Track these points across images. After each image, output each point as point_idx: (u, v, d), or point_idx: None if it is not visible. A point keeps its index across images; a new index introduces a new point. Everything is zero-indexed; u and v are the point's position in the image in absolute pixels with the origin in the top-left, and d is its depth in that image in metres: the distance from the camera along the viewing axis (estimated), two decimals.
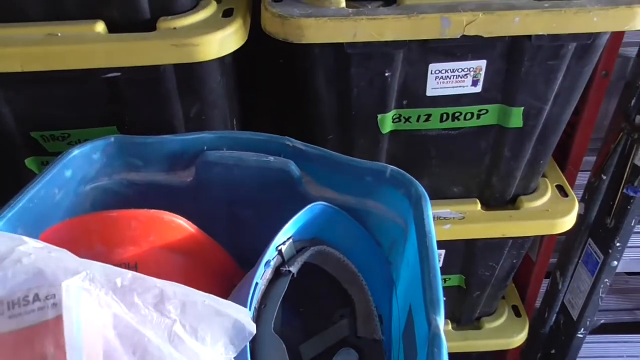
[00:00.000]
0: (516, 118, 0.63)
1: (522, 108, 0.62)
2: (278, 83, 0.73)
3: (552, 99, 0.62)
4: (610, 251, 0.81)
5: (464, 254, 0.80)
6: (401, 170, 0.51)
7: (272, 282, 0.46)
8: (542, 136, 0.66)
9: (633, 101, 0.75)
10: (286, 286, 0.46)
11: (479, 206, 0.73)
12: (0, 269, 0.32)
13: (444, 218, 0.71)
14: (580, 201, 0.86)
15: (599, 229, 0.84)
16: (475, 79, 0.60)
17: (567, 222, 0.73)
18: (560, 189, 0.76)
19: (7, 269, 0.32)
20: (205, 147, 0.56)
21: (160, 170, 0.57)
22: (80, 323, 0.31)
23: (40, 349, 0.30)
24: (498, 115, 0.63)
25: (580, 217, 0.86)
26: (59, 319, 0.31)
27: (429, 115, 0.63)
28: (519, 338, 0.92)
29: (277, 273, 0.47)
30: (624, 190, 0.77)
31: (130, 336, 0.33)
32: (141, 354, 0.33)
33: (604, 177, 0.82)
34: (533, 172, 0.72)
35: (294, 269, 0.46)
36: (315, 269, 0.51)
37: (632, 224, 0.79)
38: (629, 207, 0.77)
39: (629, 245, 0.82)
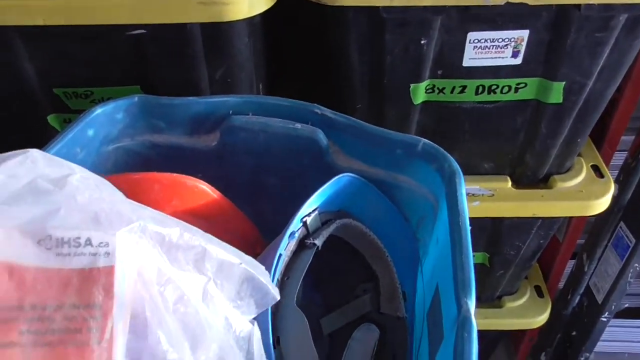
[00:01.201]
0: (556, 93, 0.60)
1: (564, 83, 0.59)
2: (307, 49, 0.71)
3: (596, 74, 0.59)
4: None
5: (490, 232, 0.78)
6: (434, 144, 0.48)
7: (295, 254, 0.45)
8: (582, 113, 0.63)
9: None
10: (310, 259, 0.44)
11: (509, 184, 0.70)
12: (53, 203, 0.31)
13: (473, 195, 0.69)
14: (614, 182, 0.82)
15: (633, 212, 0.81)
16: (515, 50, 0.57)
17: (602, 204, 0.70)
18: (596, 169, 0.73)
19: (60, 204, 0.31)
20: (231, 112, 0.54)
21: (184, 133, 0.55)
22: (130, 277, 0.31)
23: (88, 294, 0.30)
24: (537, 90, 0.60)
25: (614, 199, 0.82)
26: (111, 269, 0.30)
27: (464, 87, 0.60)
28: (541, 319, 0.90)
29: (301, 245, 0.45)
30: None
31: (171, 294, 0.32)
32: (181, 314, 0.33)
33: None
34: (569, 150, 0.69)
35: (318, 241, 0.45)
36: (339, 242, 0.49)
37: None
38: None
39: None
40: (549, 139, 0.65)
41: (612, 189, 0.70)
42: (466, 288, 0.36)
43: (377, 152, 0.51)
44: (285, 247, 0.44)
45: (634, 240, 0.81)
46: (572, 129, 0.65)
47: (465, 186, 0.45)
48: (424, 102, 0.62)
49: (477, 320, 0.96)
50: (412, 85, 0.60)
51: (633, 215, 0.81)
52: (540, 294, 0.93)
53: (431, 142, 0.49)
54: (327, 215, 0.47)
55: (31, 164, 0.32)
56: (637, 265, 0.82)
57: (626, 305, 1.05)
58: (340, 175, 0.47)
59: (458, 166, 0.46)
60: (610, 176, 0.72)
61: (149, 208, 0.34)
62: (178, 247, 0.33)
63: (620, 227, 0.84)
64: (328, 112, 0.52)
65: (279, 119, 0.53)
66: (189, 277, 0.34)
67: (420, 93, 0.61)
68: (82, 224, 0.30)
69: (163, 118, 0.55)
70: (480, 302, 0.91)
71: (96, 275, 0.30)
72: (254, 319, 0.38)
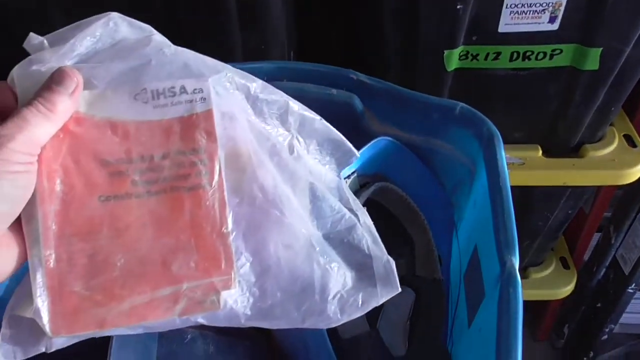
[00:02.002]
0: (593, 60, 0.59)
1: (601, 49, 0.58)
2: (338, 15, 0.70)
3: (634, 40, 0.58)
4: None
5: (520, 201, 0.77)
6: (472, 108, 0.48)
7: None
8: (617, 81, 0.62)
9: None
10: None
11: (540, 152, 0.70)
12: (143, 57, 0.31)
13: None
14: None
15: None
16: (553, 15, 0.56)
17: (634, 174, 0.69)
18: (628, 138, 0.73)
19: (150, 56, 0.31)
20: (265, 78, 0.54)
21: None
22: (228, 119, 0.31)
23: (191, 140, 0.30)
24: (573, 56, 0.60)
25: None
26: (209, 112, 0.31)
27: (499, 54, 0.60)
28: (566, 290, 0.91)
29: None
30: None
31: (264, 142, 0.33)
32: (277, 160, 0.33)
33: None
34: (602, 119, 0.68)
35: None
36: (375, 205, 0.50)
37: None
38: None
39: None
40: (582, 107, 0.65)
41: None
42: (510, 246, 0.37)
43: (413, 117, 0.51)
44: None
45: None
46: (606, 97, 0.64)
47: (504, 149, 0.45)
48: (457, 69, 0.62)
49: None
50: (446, 52, 0.59)
51: None
52: (565, 265, 0.93)
53: (468, 106, 0.48)
54: (365, 178, 0.48)
55: (114, 26, 0.32)
56: None
57: None
58: (379, 138, 0.47)
59: (496, 129, 0.46)
60: None
61: (230, 65, 0.34)
62: (262, 101, 0.34)
63: None
64: (364, 77, 0.52)
65: (314, 85, 0.53)
66: (275, 131, 0.34)
67: (454, 60, 0.60)
68: (174, 73, 0.31)
69: None
70: None
71: (196, 121, 0.30)
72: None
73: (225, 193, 0.31)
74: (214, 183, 0.31)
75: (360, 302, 0.34)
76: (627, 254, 0.90)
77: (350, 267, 0.34)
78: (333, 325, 0.33)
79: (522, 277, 0.95)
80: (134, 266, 0.30)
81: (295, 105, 0.35)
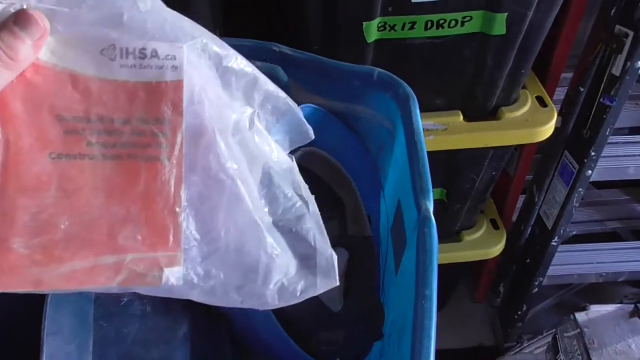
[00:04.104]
0: (499, 24, 0.63)
1: (506, 14, 0.62)
2: None
3: (535, 4, 0.62)
4: (585, 161, 0.84)
5: (446, 167, 0.82)
6: (388, 72, 0.51)
7: None
8: (524, 44, 0.67)
9: (613, 10, 0.76)
10: None
11: (461, 118, 0.74)
12: (114, 8, 0.28)
13: (427, 130, 0.72)
14: (558, 114, 0.88)
15: (575, 141, 0.87)
16: None
17: (546, 131, 0.75)
18: (540, 99, 0.78)
19: (123, 9, 0.28)
20: None
21: None
22: (197, 94, 0.30)
23: (156, 109, 0.29)
24: (482, 22, 0.64)
25: (558, 130, 0.88)
26: (178, 83, 0.29)
27: (414, 23, 0.63)
28: (497, 249, 0.96)
29: None
30: (601, 100, 0.79)
31: (228, 117, 0.32)
32: (239, 138, 0.32)
33: (582, 89, 0.83)
34: (514, 82, 0.73)
35: None
36: (304, 170, 0.52)
37: (607, 134, 0.81)
38: (604, 116, 0.79)
39: (602, 155, 0.85)
40: (495, 71, 0.69)
41: (555, 116, 0.75)
42: (424, 192, 0.40)
43: (335, 85, 0.53)
44: None
45: (577, 166, 0.86)
46: (516, 60, 0.69)
47: (419, 110, 0.48)
48: (377, 41, 0.65)
49: (439, 254, 1.01)
50: (364, 24, 0.62)
51: (575, 144, 0.87)
52: (495, 226, 0.99)
53: (385, 71, 0.51)
54: None
55: None
56: (581, 189, 0.89)
57: (574, 233, 1.12)
58: (302, 105, 0.49)
59: (411, 90, 0.49)
60: (553, 105, 0.77)
61: (207, 31, 0.32)
62: (232, 72, 0.32)
63: (565, 156, 0.90)
64: (286, 49, 0.54)
65: None
66: (239, 105, 0.33)
67: (372, 31, 0.63)
68: (147, 33, 0.28)
69: None
70: (440, 238, 0.95)
71: (164, 90, 0.29)
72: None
73: (183, 170, 0.30)
74: (173, 158, 0.29)
75: (299, 291, 0.34)
76: (549, 210, 0.96)
77: (294, 256, 0.35)
78: (269, 308, 0.34)
79: (456, 241, 1.00)
80: (78, 230, 0.29)
81: (263, 81, 0.35)
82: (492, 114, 0.76)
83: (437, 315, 0.33)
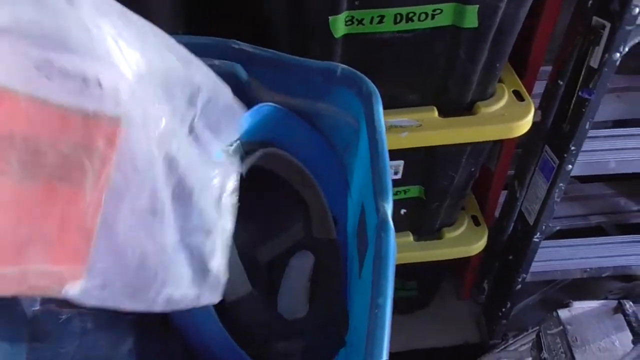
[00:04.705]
0: (471, 17, 0.61)
1: (477, 6, 0.60)
2: None
3: None
4: (565, 155, 0.83)
5: (423, 164, 0.80)
6: (352, 69, 0.49)
7: None
8: (497, 37, 0.65)
9: (590, 2, 0.74)
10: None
11: (436, 113, 0.72)
12: (61, 18, 0.25)
13: (401, 126, 0.70)
14: (537, 109, 0.86)
15: (555, 135, 0.85)
16: None
17: (523, 126, 0.73)
18: (517, 94, 0.76)
19: (69, 22, 0.25)
20: None
21: None
22: (135, 131, 0.28)
23: (89, 140, 0.27)
24: (453, 15, 0.62)
25: (537, 125, 0.86)
26: (117, 120, 0.27)
27: (383, 17, 0.61)
28: (478, 245, 0.94)
29: None
30: (579, 93, 0.77)
31: (167, 141, 0.31)
32: (169, 162, 0.32)
33: (561, 83, 0.82)
34: (489, 76, 0.71)
35: (242, 169, 0.45)
36: (265, 172, 0.50)
37: (587, 127, 0.80)
38: (583, 109, 0.78)
39: (583, 149, 0.83)
40: (468, 64, 0.67)
41: (532, 110, 0.73)
42: (383, 194, 0.38)
43: (298, 82, 0.51)
44: None
45: (557, 161, 0.85)
46: (489, 54, 0.67)
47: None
48: (345, 36, 0.63)
49: (419, 252, 0.99)
50: (330, 18, 0.60)
51: (555, 138, 0.85)
52: (477, 222, 0.97)
53: (349, 67, 0.49)
54: (250, 145, 0.47)
55: None
56: (562, 184, 0.87)
57: (557, 228, 1.11)
58: (260, 104, 0.47)
59: (375, 87, 0.47)
60: (530, 99, 0.75)
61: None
62: (176, 86, 0.32)
63: (546, 151, 0.88)
64: (246, 47, 0.52)
65: (199, 58, 0.52)
66: (179, 113, 0.33)
67: (339, 26, 0.61)
68: (93, 52, 0.26)
69: None
70: (420, 236, 0.94)
71: (101, 123, 0.27)
72: None
73: (104, 196, 0.28)
74: (96, 187, 0.28)
75: (185, 302, 0.35)
76: (530, 206, 0.95)
77: (189, 270, 0.35)
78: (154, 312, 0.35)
79: (437, 238, 0.98)
80: None
81: (206, 87, 0.35)
82: (467, 109, 0.74)
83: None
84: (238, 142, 0.46)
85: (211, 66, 0.51)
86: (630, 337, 0.84)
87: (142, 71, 0.29)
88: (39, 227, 0.27)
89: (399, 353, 1.15)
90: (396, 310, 1.23)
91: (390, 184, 0.38)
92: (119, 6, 0.30)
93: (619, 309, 0.88)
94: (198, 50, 0.52)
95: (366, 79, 0.48)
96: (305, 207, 0.51)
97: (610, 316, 0.88)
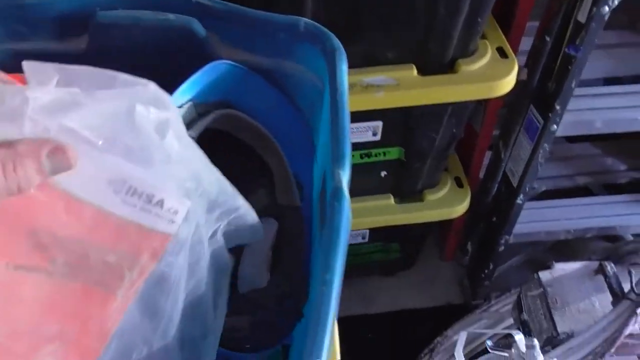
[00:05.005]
0: None
1: None
2: None
3: None
4: (550, 115, 0.80)
5: (403, 125, 0.77)
6: (316, 24, 0.46)
7: None
8: None
9: None
10: None
11: (414, 72, 0.69)
12: (148, 156, 0.27)
13: (377, 85, 0.67)
14: (524, 67, 0.83)
15: (541, 94, 0.82)
16: None
17: (506, 84, 0.70)
18: (501, 51, 0.73)
19: (155, 160, 0.27)
20: (99, 8, 0.49)
21: (50, 38, 0.50)
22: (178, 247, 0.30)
23: (136, 251, 0.28)
24: None
25: (523, 84, 0.83)
26: (167, 236, 0.28)
27: None
28: (461, 207, 0.93)
29: None
30: (566, 50, 0.74)
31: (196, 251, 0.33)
32: (195, 269, 0.34)
33: (547, 39, 0.78)
34: (471, 32, 0.67)
35: (193, 132, 0.42)
36: (224, 135, 0.47)
37: (573, 86, 0.76)
38: (569, 67, 0.74)
39: (569, 109, 0.80)
40: (448, 20, 0.63)
41: (515, 68, 0.70)
42: (340, 160, 0.35)
43: (260, 38, 0.48)
44: None
45: (542, 122, 0.82)
46: (470, 8, 0.63)
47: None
48: None
49: (401, 215, 0.97)
50: None
51: (541, 97, 0.82)
52: (460, 184, 0.95)
53: (313, 22, 0.46)
54: (204, 106, 0.44)
55: (143, 89, 0.29)
56: (546, 145, 0.85)
57: (544, 189, 1.09)
58: (216, 62, 0.44)
59: (340, 43, 0.44)
60: (514, 56, 0.72)
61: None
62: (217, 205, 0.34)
63: (531, 111, 0.85)
64: (204, 0, 0.48)
65: (151, 12, 0.48)
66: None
67: None
68: (163, 185, 0.28)
69: (23, 22, 0.49)
70: (402, 198, 0.92)
71: (151, 237, 0.28)
72: None
73: (129, 305, 0.29)
74: (127, 293, 0.29)
75: None
76: (514, 167, 0.92)
77: None
78: None
79: (417, 200, 0.96)
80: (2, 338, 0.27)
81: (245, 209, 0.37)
82: (448, 67, 0.71)
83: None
84: (190, 103, 0.43)
85: (166, 21, 0.48)
86: (610, 298, 0.83)
87: (199, 193, 0.31)
88: (62, 326, 0.28)
89: (383, 314, 1.15)
90: (379, 272, 1.22)
91: (348, 150, 0.36)
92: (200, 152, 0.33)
93: (600, 270, 0.87)
94: (153, 4, 0.49)
95: (331, 34, 0.45)
96: (268, 171, 0.49)
97: (591, 277, 0.87)
